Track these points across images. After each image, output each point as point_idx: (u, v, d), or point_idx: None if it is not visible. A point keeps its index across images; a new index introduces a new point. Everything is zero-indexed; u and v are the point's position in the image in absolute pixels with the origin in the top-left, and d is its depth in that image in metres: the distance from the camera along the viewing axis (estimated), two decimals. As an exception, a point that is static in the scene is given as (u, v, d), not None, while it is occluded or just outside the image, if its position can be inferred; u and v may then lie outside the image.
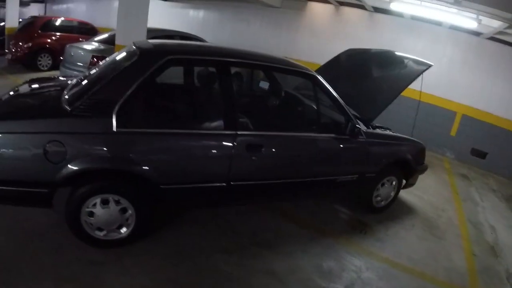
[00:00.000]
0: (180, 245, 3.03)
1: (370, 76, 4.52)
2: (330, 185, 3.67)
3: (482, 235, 4.39)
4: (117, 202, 2.58)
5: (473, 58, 6.75)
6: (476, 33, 6.62)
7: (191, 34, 7.99)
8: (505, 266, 3.86)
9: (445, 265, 3.67)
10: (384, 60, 4.56)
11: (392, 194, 4.29)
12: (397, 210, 4.53)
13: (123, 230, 2.72)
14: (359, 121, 3.65)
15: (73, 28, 10.34)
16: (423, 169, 4.50)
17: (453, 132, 7.05)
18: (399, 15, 7.36)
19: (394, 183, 4.20)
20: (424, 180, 5.62)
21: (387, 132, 4.22)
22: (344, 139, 3.47)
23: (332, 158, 3.53)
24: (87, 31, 10.33)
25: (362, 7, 7.80)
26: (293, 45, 9.00)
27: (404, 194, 4.90)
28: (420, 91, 7.03)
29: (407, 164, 4.17)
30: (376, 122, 4.18)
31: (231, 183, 2.93)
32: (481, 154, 6.80)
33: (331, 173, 3.57)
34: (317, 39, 8.56)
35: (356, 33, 8.00)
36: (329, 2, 8.29)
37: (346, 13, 8.30)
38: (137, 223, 2.71)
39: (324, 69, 4.94)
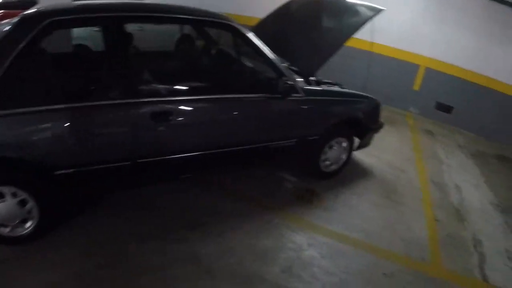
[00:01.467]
0: (94, 235, 2.60)
1: (314, 27, 3.81)
2: (263, 152, 3.12)
3: (446, 197, 3.83)
4: (14, 195, 2.26)
5: (437, 8, 6.09)
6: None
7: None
8: (471, 232, 3.32)
9: (402, 236, 3.09)
10: (332, 8, 3.84)
11: (344, 156, 3.70)
12: (350, 174, 3.90)
13: (28, 224, 2.39)
14: (296, 78, 3.11)
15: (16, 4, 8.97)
16: (378, 128, 3.92)
17: (416, 86, 6.46)
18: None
19: (344, 144, 3.61)
20: (384, 139, 5.03)
21: (335, 88, 3.57)
22: (275, 98, 2.92)
23: (261, 121, 2.98)
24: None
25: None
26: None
27: (360, 155, 4.27)
28: (372, 42, 6.48)
29: (359, 123, 3.59)
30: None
31: (137, 161, 2.50)
32: (446, 109, 6.27)
33: (261, 139, 3.03)
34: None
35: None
36: None
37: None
38: (41, 216, 2.39)
39: (266, 23, 4.25)
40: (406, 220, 3.31)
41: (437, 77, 6.24)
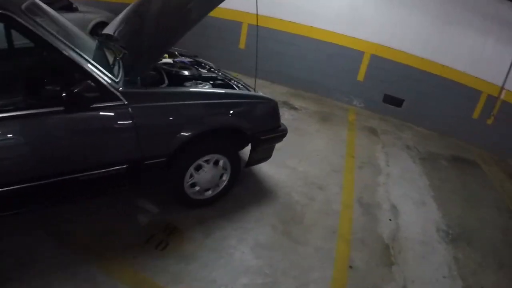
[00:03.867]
0: None
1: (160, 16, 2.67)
2: (69, 186, 2.00)
3: (374, 227, 2.75)
4: None
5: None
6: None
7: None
8: (400, 284, 2.22)
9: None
10: None
11: (225, 178, 2.61)
12: (242, 198, 2.77)
13: None
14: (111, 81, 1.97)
15: None
16: (279, 136, 2.78)
17: (360, 77, 5.40)
18: None
19: (221, 163, 2.52)
20: (311, 142, 3.95)
21: (201, 86, 2.56)
22: (60, 112, 1.80)
23: (48, 145, 1.87)
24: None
25: None
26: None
27: (268, 166, 3.15)
28: (310, 26, 5.42)
29: (242, 132, 2.51)
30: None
31: None
32: (396, 102, 5.24)
33: (57, 169, 1.91)
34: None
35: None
36: None
37: None
38: None
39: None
40: (304, 270, 2.19)
41: (385, 65, 5.22)
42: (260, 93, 2.73)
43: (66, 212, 2.31)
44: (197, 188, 2.48)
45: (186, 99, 2.26)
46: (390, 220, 2.85)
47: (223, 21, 6.20)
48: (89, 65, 1.88)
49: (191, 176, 2.41)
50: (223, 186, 2.60)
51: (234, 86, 2.80)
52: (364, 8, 5.17)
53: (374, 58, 5.28)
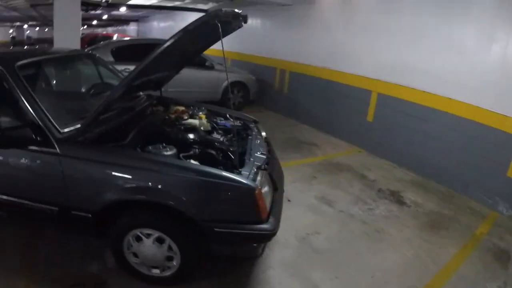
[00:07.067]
0: None
1: None
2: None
3: None
4: None
5: None
6: None
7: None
8: None
9: None
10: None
11: (176, 263, 2.22)
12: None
13: None
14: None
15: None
16: (247, 234, 2.09)
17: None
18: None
19: (167, 242, 2.16)
20: (383, 254, 3.04)
21: (165, 152, 2.32)
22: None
23: None
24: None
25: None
26: (305, 46, 6.84)
27: (280, 268, 2.48)
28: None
29: (187, 216, 2.06)
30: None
31: None
32: None
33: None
34: (329, 35, 6.21)
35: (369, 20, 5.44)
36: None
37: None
38: None
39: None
40: None
41: None
42: (237, 176, 2.09)
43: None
44: (137, 259, 2.23)
45: (119, 161, 2.10)
46: None
47: (350, 88, 5.77)
48: (35, 111, 2.10)
49: (130, 244, 2.20)
50: (174, 269, 2.21)
51: (233, 160, 2.39)
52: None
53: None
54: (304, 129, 6.56)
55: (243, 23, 2.45)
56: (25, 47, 13.14)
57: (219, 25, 1.98)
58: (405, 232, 3.26)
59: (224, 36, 2.19)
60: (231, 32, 2.64)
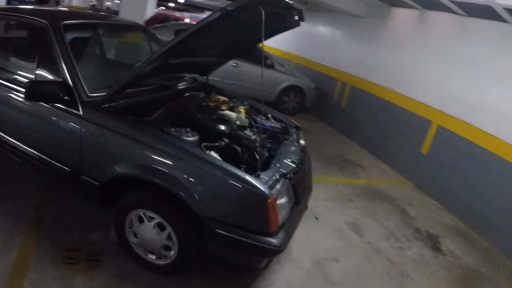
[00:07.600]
0: None
1: None
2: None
3: None
4: None
5: None
6: None
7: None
8: None
9: None
10: None
11: (173, 253, 2.18)
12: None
13: None
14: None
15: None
16: (250, 244, 1.95)
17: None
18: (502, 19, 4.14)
19: (167, 231, 2.13)
20: None
21: (187, 137, 2.20)
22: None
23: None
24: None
25: (450, 10, 4.84)
26: (371, 61, 6.56)
27: None
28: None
29: (188, 206, 1.99)
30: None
31: None
32: None
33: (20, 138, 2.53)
34: (399, 54, 5.89)
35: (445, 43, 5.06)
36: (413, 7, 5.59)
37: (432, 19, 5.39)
38: None
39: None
40: None
41: None
42: (252, 179, 1.95)
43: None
44: (136, 240, 2.25)
45: (135, 135, 2.08)
46: None
47: (409, 115, 5.40)
48: (68, 70, 2.20)
49: (131, 224, 2.22)
50: (173, 257, 2.16)
51: (257, 162, 2.22)
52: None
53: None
54: (353, 148, 6.29)
55: (300, 22, 2.34)
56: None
57: (262, 11, 1.89)
58: (432, 282, 2.99)
59: (277, 31, 2.09)
60: (286, 30, 2.53)
